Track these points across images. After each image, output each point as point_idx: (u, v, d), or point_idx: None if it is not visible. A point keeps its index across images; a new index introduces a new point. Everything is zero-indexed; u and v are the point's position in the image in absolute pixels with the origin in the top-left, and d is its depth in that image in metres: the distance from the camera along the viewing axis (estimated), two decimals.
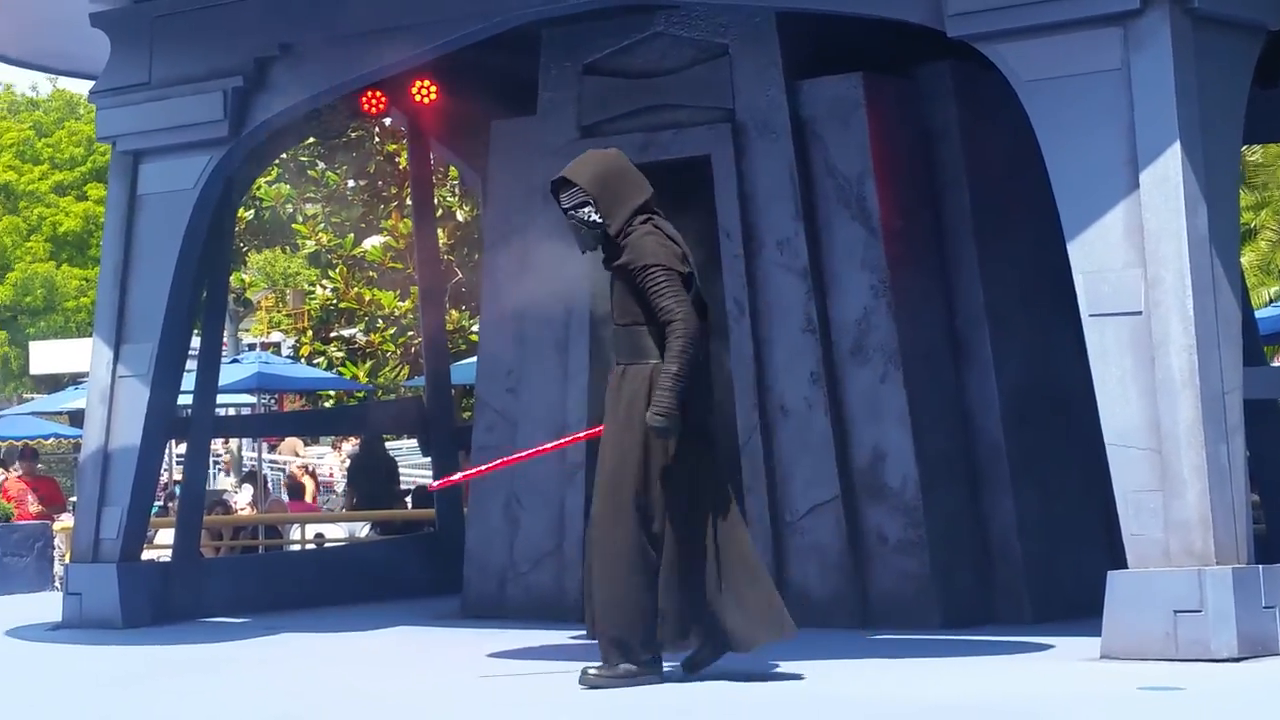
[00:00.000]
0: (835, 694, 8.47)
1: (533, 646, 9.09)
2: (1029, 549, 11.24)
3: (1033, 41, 9.52)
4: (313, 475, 29.47)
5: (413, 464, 25.11)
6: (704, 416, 8.81)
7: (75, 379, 32.23)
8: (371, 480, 22.66)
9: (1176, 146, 9.19)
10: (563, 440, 10.87)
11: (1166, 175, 9.21)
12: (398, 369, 29.21)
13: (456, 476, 13.43)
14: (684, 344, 8.55)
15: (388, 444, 24.64)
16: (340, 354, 31.85)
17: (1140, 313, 9.23)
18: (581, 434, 9.78)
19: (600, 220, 8.79)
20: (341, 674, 10.06)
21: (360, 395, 30.00)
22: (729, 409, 9.72)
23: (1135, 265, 9.26)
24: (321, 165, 27.48)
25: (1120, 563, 9.26)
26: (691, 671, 8.77)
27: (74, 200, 51.65)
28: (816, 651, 9.69)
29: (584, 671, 8.52)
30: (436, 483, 14.01)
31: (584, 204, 8.77)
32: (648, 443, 8.65)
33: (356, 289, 30.07)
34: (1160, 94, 9.24)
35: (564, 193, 8.84)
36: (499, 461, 11.78)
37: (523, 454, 10.01)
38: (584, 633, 9.02)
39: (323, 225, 31.15)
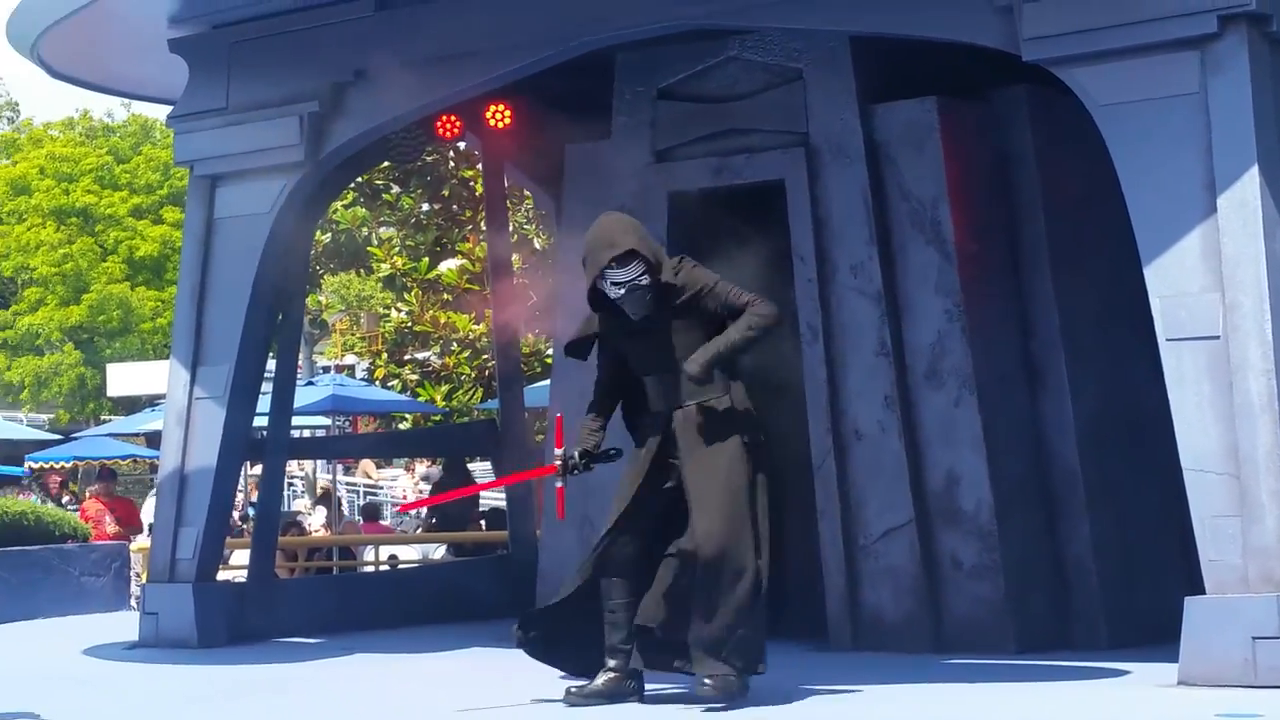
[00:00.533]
0: (907, 717, 8.45)
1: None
2: (1105, 574, 11.17)
3: (1109, 65, 9.48)
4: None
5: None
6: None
7: (152, 401, 32.36)
8: (453, 502, 22.71)
9: (1255, 171, 9.13)
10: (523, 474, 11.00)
11: (1245, 200, 9.15)
12: (471, 391, 29.25)
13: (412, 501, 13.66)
14: (763, 321, 8.74)
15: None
16: (415, 377, 31.92)
17: (1218, 337, 9.17)
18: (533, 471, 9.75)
19: (655, 279, 8.80)
20: (414, 694, 10.10)
21: (436, 418, 30.03)
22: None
23: (1213, 290, 9.19)
24: (397, 189, 27.56)
25: (1198, 588, 9.18)
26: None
27: (150, 224, 51.95)
28: (890, 676, 9.69)
29: (700, 684, 8.59)
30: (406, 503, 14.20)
31: (645, 271, 8.75)
32: (753, 475, 8.80)
33: (431, 312, 30.13)
34: (1238, 118, 9.18)
35: (624, 267, 8.69)
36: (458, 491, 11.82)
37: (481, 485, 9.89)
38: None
39: (398, 249, 31.24)
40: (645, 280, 8.72)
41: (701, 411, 8.86)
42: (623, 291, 8.70)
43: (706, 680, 8.54)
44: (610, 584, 9.01)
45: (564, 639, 9.06)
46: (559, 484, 9.40)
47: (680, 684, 9.12)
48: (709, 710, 8.79)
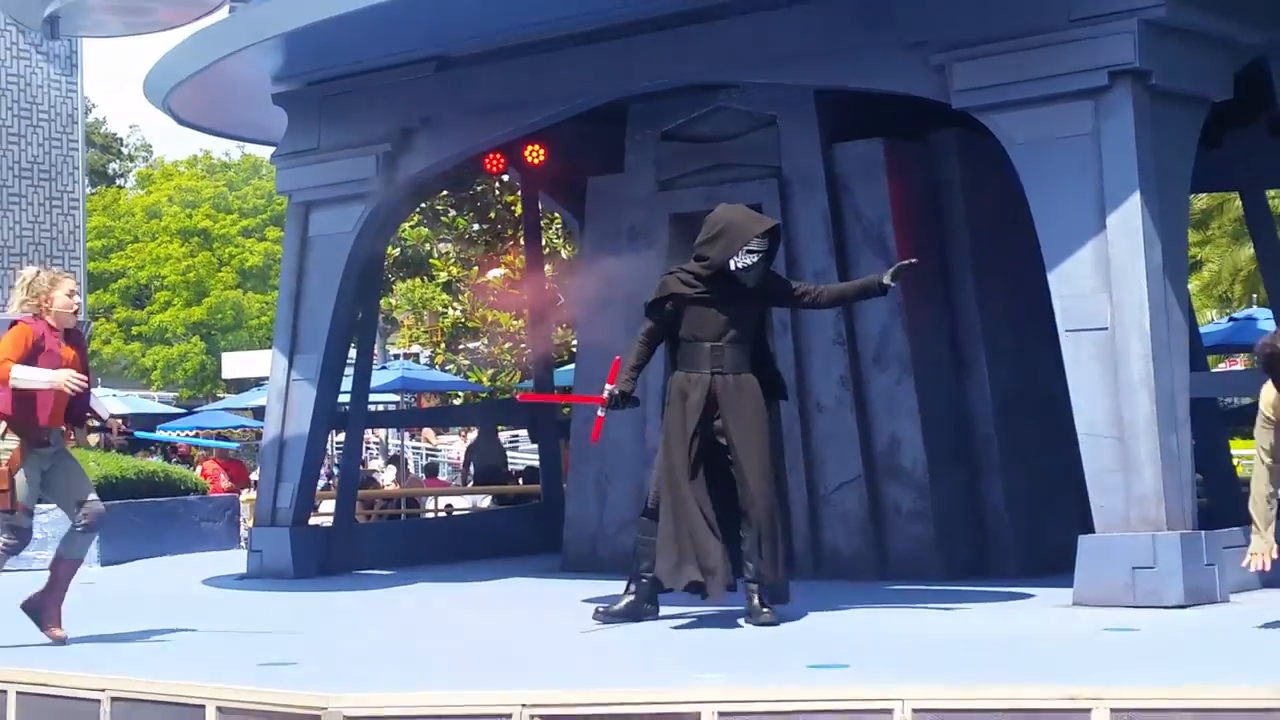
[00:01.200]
0: (856, 631, 8.47)
1: (618, 594, 9.08)
2: (1014, 518, 11.21)
3: (1021, 112, 9.51)
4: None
5: (526, 450, 25.20)
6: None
7: (258, 382, 32.33)
8: (484, 461, 22.82)
9: (1136, 196, 9.17)
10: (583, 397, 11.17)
11: (1128, 219, 9.19)
12: (512, 374, 29.27)
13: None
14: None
15: (506, 433, 24.65)
16: (467, 362, 32.03)
17: (1107, 329, 9.22)
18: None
19: (773, 257, 9.11)
20: (465, 614, 10.11)
21: (483, 395, 30.06)
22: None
23: (1103, 291, 9.24)
24: (453, 212, 27.56)
25: (1089, 529, 9.27)
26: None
27: (256, 241, 52.04)
28: (844, 599, 9.72)
29: (758, 612, 8.68)
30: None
31: (771, 248, 9.00)
32: (770, 438, 9.02)
33: (480, 311, 30.22)
34: (1124, 154, 9.22)
35: (765, 239, 8.89)
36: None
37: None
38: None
39: (453, 260, 31.32)
40: (769, 254, 8.94)
41: (739, 383, 8.91)
42: (756, 259, 8.81)
43: (764, 611, 8.64)
44: (645, 523, 9.08)
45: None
46: (600, 413, 9.35)
47: (678, 605, 9.16)
48: (699, 623, 8.84)
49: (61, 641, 8.40)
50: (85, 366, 8.48)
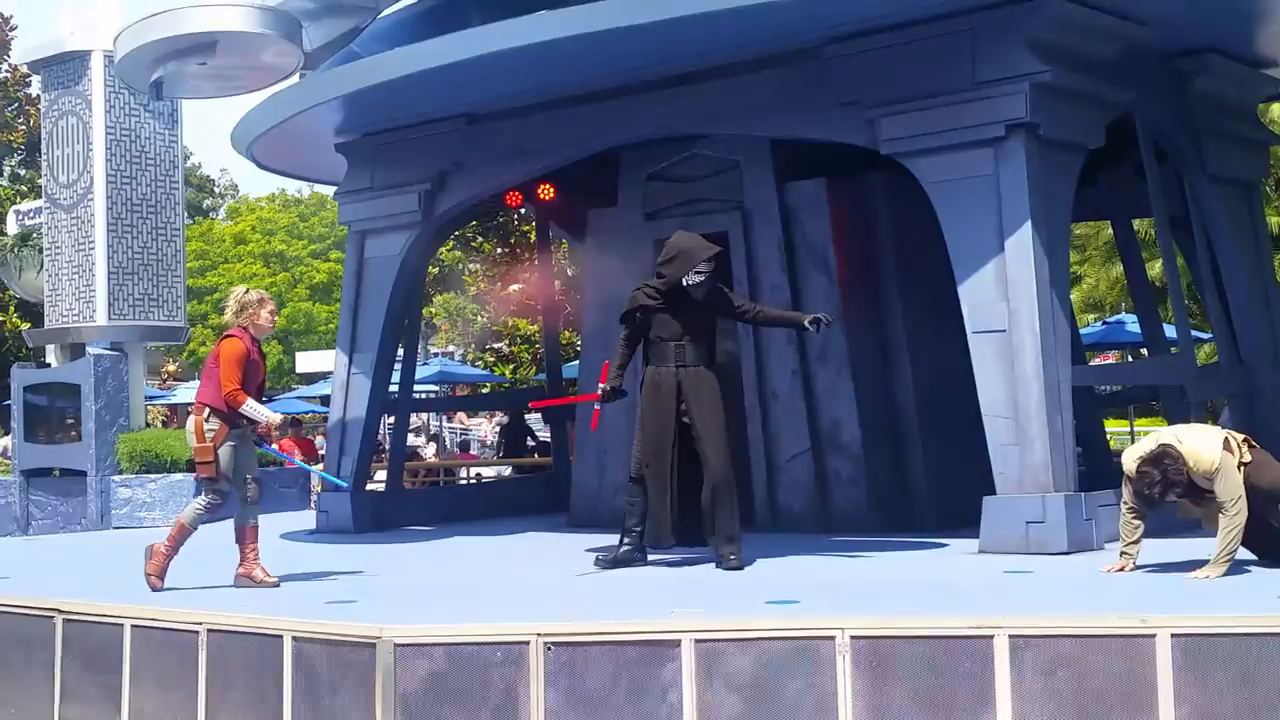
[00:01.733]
0: (805, 574, 8.49)
1: (614, 545, 9.13)
2: (932, 483, 11.23)
3: (936, 157, 9.55)
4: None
5: (538, 429, 25.28)
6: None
7: (325, 375, 32.25)
8: (514, 438, 22.89)
9: (1028, 224, 9.21)
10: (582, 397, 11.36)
11: (1021, 243, 9.24)
12: (529, 368, 29.29)
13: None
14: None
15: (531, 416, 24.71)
16: (492, 359, 32.04)
17: (1005, 330, 9.26)
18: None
19: (705, 274, 9.07)
20: (489, 562, 10.11)
21: (505, 386, 30.05)
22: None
23: (1001, 301, 9.29)
24: (480, 238, 27.59)
25: (991, 491, 9.30)
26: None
27: (322, 261, 51.91)
28: (796, 548, 9.74)
29: (727, 558, 8.78)
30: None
31: (703, 271, 9.02)
32: (722, 416, 9.05)
33: (503, 317, 30.32)
34: (1018, 191, 9.27)
35: (709, 263, 9.01)
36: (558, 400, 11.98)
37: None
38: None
39: (481, 277, 31.36)
40: (714, 273, 9.10)
41: (699, 374, 9.03)
42: (703, 278, 8.97)
43: (731, 557, 8.74)
44: (631, 488, 9.21)
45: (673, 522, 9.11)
46: (596, 406, 9.65)
47: (660, 554, 9.19)
48: (679, 567, 8.85)
49: (273, 583, 8.53)
50: (264, 380, 8.80)
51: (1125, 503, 8.00)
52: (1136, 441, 8.37)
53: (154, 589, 8.35)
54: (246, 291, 8.73)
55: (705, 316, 9.14)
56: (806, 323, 9.06)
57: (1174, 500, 7.83)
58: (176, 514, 9.15)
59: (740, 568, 8.67)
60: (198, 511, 8.55)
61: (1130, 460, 7.91)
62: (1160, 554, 8.18)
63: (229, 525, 8.70)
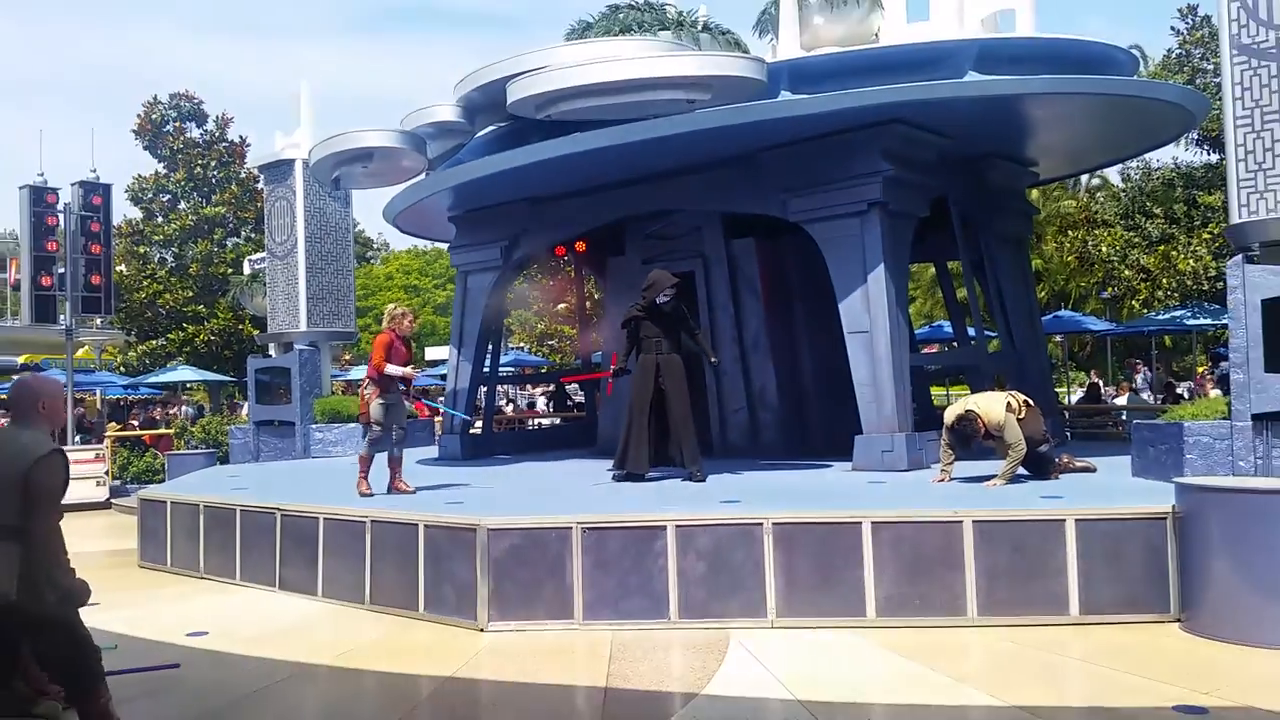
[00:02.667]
0: (743, 483, 8.49)
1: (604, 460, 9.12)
2: (824, 427, 11.21)
3: (825, 223, 9.49)
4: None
5: (575, 395, 25.16)
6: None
7: (442, 361, 32.18)
8: (559, 401, 22.77)
9: (881, 266, 9.18)
10: (599, 374, 11.36)
11: (878, 276, 9.20)
12: (570, 357, 29.18)
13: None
14: (705, 337, 9.46)
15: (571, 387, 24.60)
16: (547, 351, 31.92)
17: (868, 331, 9.23)
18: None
19: (668, 297, 9.01)
20: (546, 477, 10.08)
21: (554, 368, 29.93)
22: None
23: (865, 313, 9.26)
24: (540, 275, 27.51)
25: (859, 431, 9.27)
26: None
27: (441, 290, 51.72)
28: (737, 468, 9.72)
29: (694, 475, 8.71)
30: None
31: (666, 293, 9.00)
32: (685, 386, 8.97)
33: (554, 326, 30.22)
34: (875, 245, 9.23)
35: (674, 288, 9.01)
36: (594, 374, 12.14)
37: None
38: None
39: (539, 300, 31.24)
40: (677, 294, 9.06)
41: (670, 359, 9.00)
42: (669, 297, 8.95)
43: (697, 474, 8.71)
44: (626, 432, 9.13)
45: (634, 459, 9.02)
46: (610, 381, 9.72)
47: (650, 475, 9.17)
48: (664, 480, 8.83)
49: (411, 492, 8.43)
50: (411, 360, 8.77)
51: (943, 441, 8.04)
52: (952, 403, 8.35)
53: (363, 495, 8.32)
54: (394, 307, 8.78)
55: (672, 323, 9.08)
56: (711, 358, 9.23)
57: (979, 441, 7.87)
58: (354, 450, 9.13)
59: (703, 480, 8.65)
60: (367, 446, 8.57)
61: (949, 416, 7.98)
62: (967, 472, 8.20)
63: (380, 457, 8.69)
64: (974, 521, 6.25)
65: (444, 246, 14.61)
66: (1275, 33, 6.88)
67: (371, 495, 8.31)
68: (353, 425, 14.00)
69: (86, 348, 27.84)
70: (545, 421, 22.35)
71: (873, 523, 6.32)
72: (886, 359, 9.10)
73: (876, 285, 9.16)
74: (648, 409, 8.99)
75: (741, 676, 5.37)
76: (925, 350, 18.68)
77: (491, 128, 11.00)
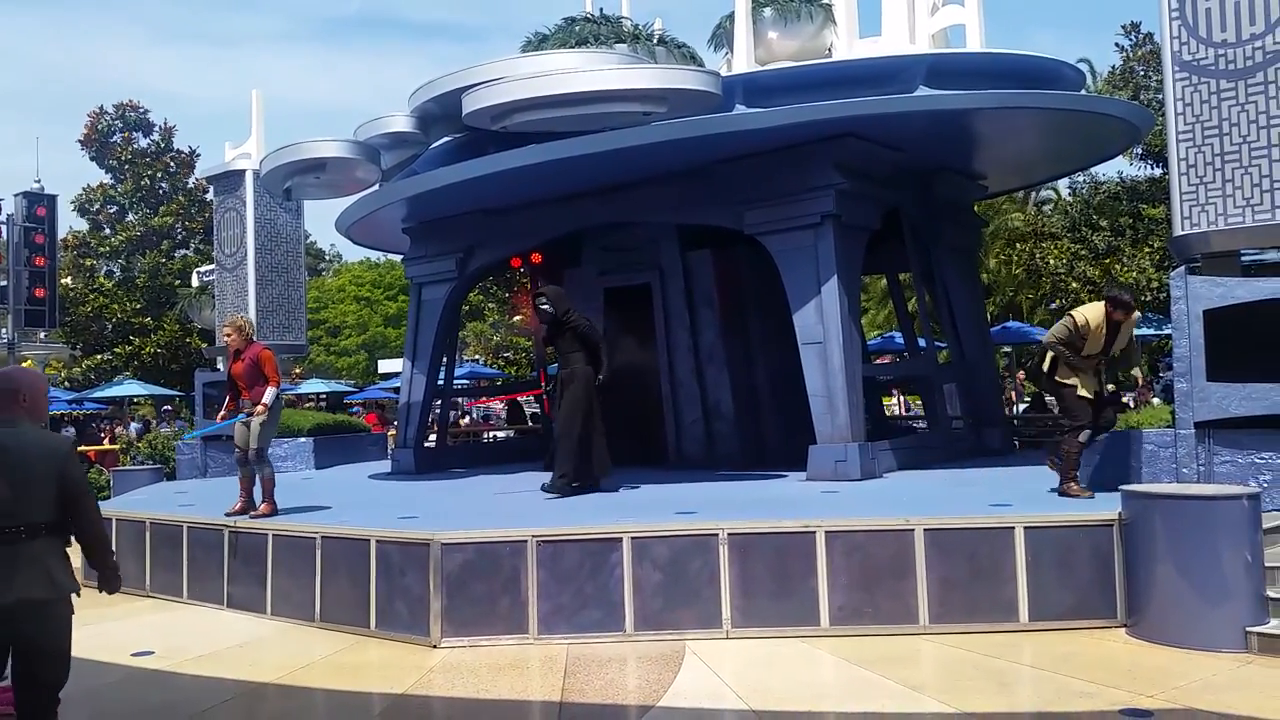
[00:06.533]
0: (699, 494, 8.50)
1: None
2: (779, 437, 11.29)
3: (780, 235, 9.56)
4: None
5: (529, 408, 25.14)
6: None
7: (395, 374, 31.93)
8: (514, 413, 22.66)
9: (835, 277, 9.27)
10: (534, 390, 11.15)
11: (831, 288, 9.28)
12: (525, 369, 29.07)
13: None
14: (606, 351, 8.99)
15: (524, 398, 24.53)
16: (502, 364, 31.73)
17: (822, 342, 9.30)
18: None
19: (552, 310, 8.95)
20: (501, 489, 10.03)
21: (510, 380, 29.79)
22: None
23: (819, 324, 9.33)
24: (495, 288, 27.38)
25: (814, 442, 9.32)
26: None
27: (393, 301, 51.22)
28: (693, 478, 9.73)
29: (548, 485, 8.78)
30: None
31: (545, 305, 8.97)
32: (589, 393, 8.88)
33: (511, 339, 30.08)
34: (828, 256, 9.32)
35: (541, 301, 9.03)
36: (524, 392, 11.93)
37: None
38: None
39: (495, 311, 31.06)
40: (541, 309, 9.05)
41: (569, 373, 8.96)
42: (544, 315, 9.08)
43: (552, 485, 8.74)
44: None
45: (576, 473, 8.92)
46: (545, 396, 9.68)
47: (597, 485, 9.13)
48: (614, 491, 8.83)
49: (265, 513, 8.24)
50: (237, 373, 8.29)
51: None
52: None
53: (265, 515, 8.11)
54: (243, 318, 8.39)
55: (567, 340, 8.98)
56: (603, 376, 8.90)
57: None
58: (304, 465, 8.93)
59: (558, 495, 8.56)
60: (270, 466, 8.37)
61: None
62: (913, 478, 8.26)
63: (333, 470, 8.57)
64: (925, 530, 6.31)
65: (398, 258, 14.50)
66: (1215, 50, 7.08)
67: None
68: (304, 440, 13.81)
69: (30, 362, 27.21)
70: (500, 434, 22.20)
71: (826, 532, 6.35)
72: (840, 369, 9.16)
73: (830, 296, 9.22)
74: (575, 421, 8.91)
75: (696, 688, 5.37)
76: (878, 361, 18.87)
77: (447, 139, 10.93)
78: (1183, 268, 7.09)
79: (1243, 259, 7.19)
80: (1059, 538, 6.29)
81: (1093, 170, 22.31)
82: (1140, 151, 20.54)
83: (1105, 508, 6.45)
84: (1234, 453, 6.77)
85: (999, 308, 25.66)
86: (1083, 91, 11.57)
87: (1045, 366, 7.31)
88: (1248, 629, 5.64)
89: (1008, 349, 24.95)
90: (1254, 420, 6.66)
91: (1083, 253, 21.59)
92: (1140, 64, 20.81)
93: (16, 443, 3.68)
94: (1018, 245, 23.74)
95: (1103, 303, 7.14)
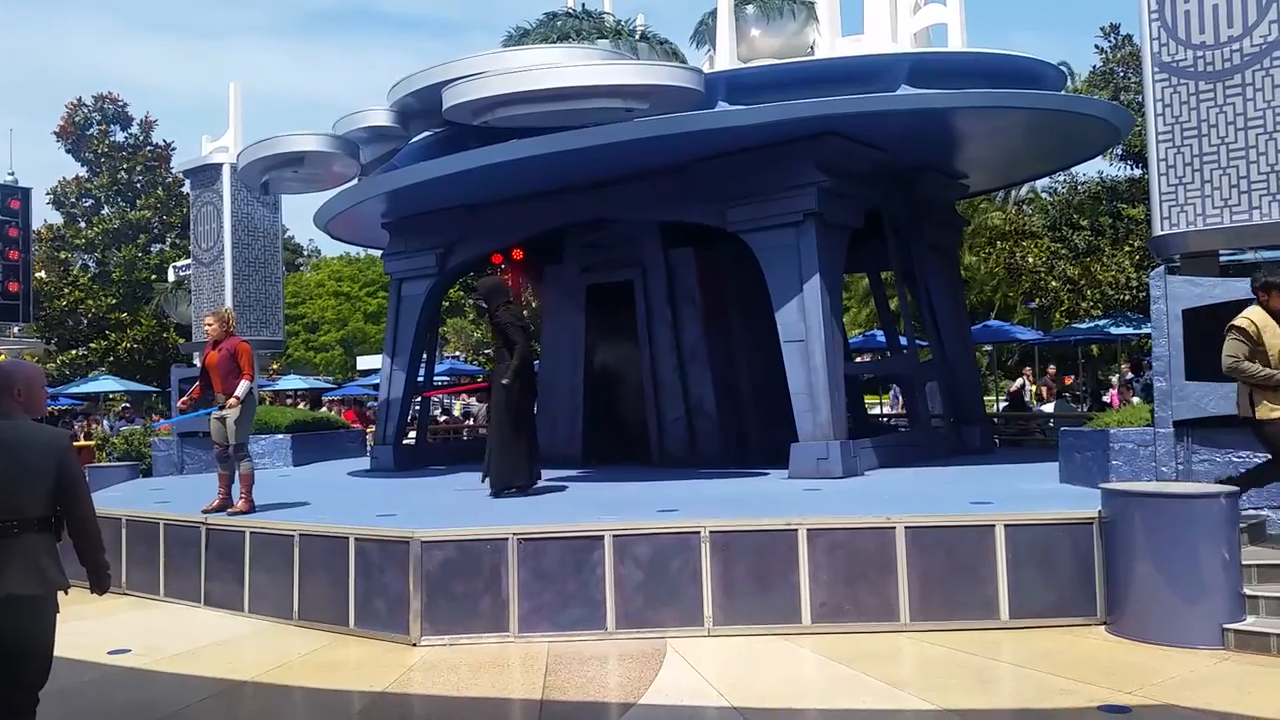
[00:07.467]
0: (682, 492, 8.50)
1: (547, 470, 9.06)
2: (759, 436, 11.32)
3: (762, 233, 9.59)
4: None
5: None
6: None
7: (375, 371, 31.81)
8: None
9: (817, 275, 9.29)
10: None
11: (813, 286, 9.31)
12: None
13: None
14: (519, 357, 8.56)
15: None
16: (483, 360, 31.65)
17: (804, 340, 9.32)
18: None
19: (485, 305, 8.81)
20: (481, 487, 10.00)
21: (489, 377, 29.74)
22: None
23: (801, 322, 9.36)
24: (475, 283, 27.28)
25: (795, 439, 9.35)
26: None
27: (373, 297, 51.00)
28: (676, 475, 9.73)
29: (494, 488, 8.70)
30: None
31: (477, 298, 8.91)
32: (504, 398, 8.65)
33: (489, 335, 30.00)
34: (810, 254, 9.34)
35: (474, 295, 8.99)
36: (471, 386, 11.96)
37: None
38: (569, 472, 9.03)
39: (475, 307, 31.04)
40: (481, 306, 8.94)
41: (495, 373, 8.84)
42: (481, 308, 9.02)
43: (494, 489, 8.68)
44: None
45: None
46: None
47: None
48: (596, 489, 8.80)
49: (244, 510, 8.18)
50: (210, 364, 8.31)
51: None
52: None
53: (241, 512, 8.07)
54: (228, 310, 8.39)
55: (501, 337, 8.81)
56: (505, 381, 8.55)
57: None
58: (282, 462, 8.90)
59: (494, 496, 8.54)
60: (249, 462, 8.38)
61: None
62: (895, 477, 8.30)
63: (311, 467, 8.53)
64: (906, 527, 6.34)
65: (377, 253, 14.43)
66: (1194, 52, 7.14)
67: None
68: (281, 436, 13.73)
69: (3, 356, 26.92)
70: (481, 432, 22.10)
71: (808, 530, 6.36)
72: (822, 367, 9.18)
73: (812, 294, 9.25)
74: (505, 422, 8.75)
75: (678, 685, 5.37)
76: (859, 359, 18.95)
77: (427, 133, 10.89)
78: (1162, 267, 7.15)
79: (1221, 259, 7.25)
80: (1039, 536, 6.32)
81: (1073, 170, 22.47)
82: (1120, 152, 20.71)
83: (1085, 506, 6.50)
84: (1212, 451, 6.83)
85: (979, 305, 25.82)
86: (1064, 92, 11.65)
87: (1240, 408, 6.21)
88: (1225, 626, 5.70)
89: (988, 347, 25.12)
90: (1232, 419, 6.72)
91: (1062, 251, 21.75)
92: (1120, 65, 20.98)
93: (13, 436, 3.61)
94: (998, 244, 23.89)
95: (1254, 300, 6.20)
